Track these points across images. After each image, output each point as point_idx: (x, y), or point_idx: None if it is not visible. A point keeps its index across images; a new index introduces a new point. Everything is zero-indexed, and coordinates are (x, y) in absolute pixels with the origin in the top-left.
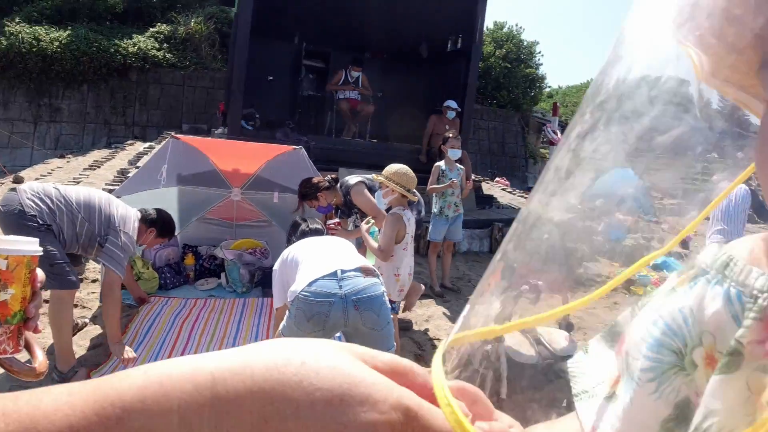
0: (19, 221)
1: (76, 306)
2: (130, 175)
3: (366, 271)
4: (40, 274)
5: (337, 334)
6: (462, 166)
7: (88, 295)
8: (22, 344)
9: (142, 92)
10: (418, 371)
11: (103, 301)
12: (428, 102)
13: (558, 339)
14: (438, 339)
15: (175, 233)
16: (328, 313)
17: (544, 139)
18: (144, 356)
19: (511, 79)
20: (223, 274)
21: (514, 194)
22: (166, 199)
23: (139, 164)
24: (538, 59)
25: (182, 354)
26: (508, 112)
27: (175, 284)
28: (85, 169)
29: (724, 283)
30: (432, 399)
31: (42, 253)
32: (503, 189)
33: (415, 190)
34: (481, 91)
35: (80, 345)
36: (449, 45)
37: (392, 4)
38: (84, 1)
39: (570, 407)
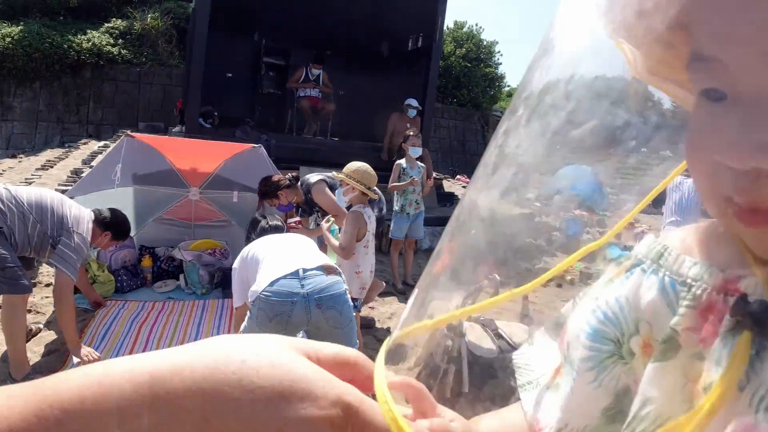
0: None
1: (29, 311)
2: (83, 175)
3: (328, 270)
4: None
5: (300, 333)
6: (423, 164)
7: (42, 300)
8: None
9: (97, 89)
10: (364, 363)
11: (57, 306)
12: (389, 100)
13: (518, 332)
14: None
15: (131, 234)
16: (291, 313)
17: None
18: None
19: (471, 78)
20: (181, 276)
21: None
22: (121, 199)
23: (93, 164)
24: (498, 59)
25: None
26: (468, 111)
27: (132, 287)
28: (37, 169)
29: (658, 273)
30: None
31: None
32: (464, 186)
33: (375, 188)
34: (441, 89)
35: (35, 351)
36: (410, 44)
37: (353, 2)
38: None
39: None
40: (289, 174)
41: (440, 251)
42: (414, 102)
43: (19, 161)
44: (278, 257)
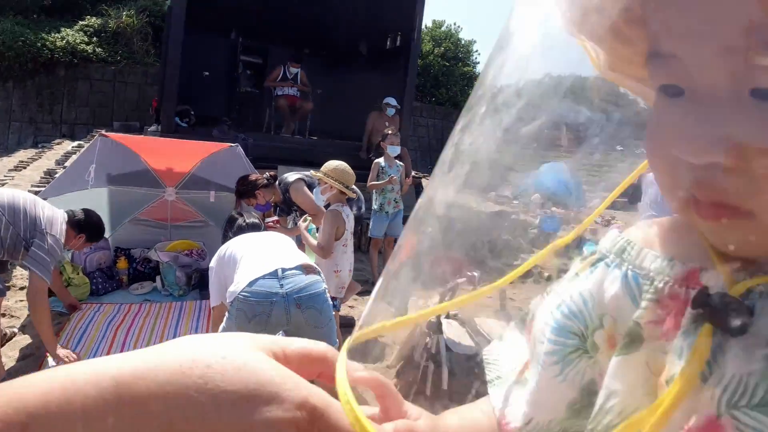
0: None
1: (3, 315)
2: (57, 175)
3: (307, 269)
4: None
5: (279, 333)
6: (401, 163)
7: (16, 304)
8: None
9: (71, 88)
10: (333, 356)
11: (31, 310)
12: (368, 99)
13: (497, 329)
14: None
15: (106, 236)
16: (270, 313)
17: None
18: None
19: (449, 77)
20: (158, 278)
21: None
22: (96, 200)
23: (67, 164)
24: (476, 58)
25: None
26: (447, 110)
27: (107, 289)
28: (10, 170)
29: (622, 267)
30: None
31: None
32: None
33: (354, 187)
34: (420, 88)
35: (9, 356)
36: (388, 43)
37: (331, 1)
38: None
39: None
40: (267, 173)
41: (399, 248)
42: (393, 101)
43: None
44: (256, 256)
